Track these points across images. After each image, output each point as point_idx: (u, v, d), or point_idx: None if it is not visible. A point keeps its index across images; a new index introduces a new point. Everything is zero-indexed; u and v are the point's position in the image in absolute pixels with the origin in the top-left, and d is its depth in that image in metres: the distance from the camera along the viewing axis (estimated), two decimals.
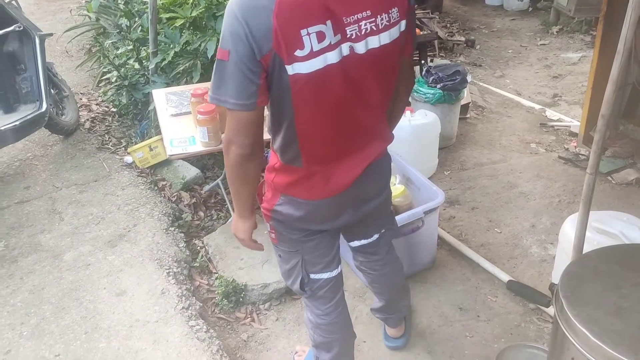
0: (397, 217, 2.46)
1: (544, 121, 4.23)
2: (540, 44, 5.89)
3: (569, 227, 2.35)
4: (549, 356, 1.41)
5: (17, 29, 3.44)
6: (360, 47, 1.40)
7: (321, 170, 1.58)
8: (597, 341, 1.16)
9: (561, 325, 1.25)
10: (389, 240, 2.05)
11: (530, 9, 6.86)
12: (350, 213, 1.72)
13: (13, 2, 3.56)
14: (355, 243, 1.97)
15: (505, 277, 2.66)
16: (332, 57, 1.36)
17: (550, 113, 4.36)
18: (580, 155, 3.62)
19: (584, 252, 1.95)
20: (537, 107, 4.47)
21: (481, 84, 4.92)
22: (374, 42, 1.42)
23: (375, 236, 1.96)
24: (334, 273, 1.85)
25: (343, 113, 1.49)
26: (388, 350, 2.37)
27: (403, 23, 1.48)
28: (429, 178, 3.49)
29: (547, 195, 3.34)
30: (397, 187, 2.72)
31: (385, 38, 1.44)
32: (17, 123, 3.30)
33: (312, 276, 1.81)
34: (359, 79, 1.45)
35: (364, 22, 1.38)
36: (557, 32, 6.09)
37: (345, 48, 1.38)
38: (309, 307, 1.94)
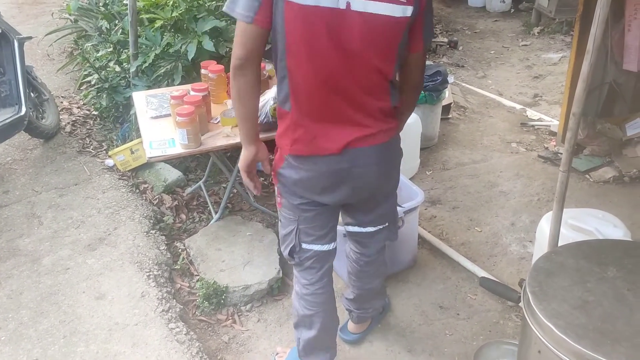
0: None
1: (525, 121, 4.28)
2: (522, 45, 5.95)
3: (545, 225, 2.38)
4: (518, 350, 1.43)
5: None
6: (358, 5, 1.49)
7: (306, 126, 1.67)
8: (561, 335, 1.18)
9: (528, 320, 1.27)
10: (382, 240, 2.09)
11: (512, 10, 6.93)
12: (347, 191, 1.79)
13: None
14: (350, 228, 2.04)
15: (485, 275, 2.69)
16: (325, 1, 1.48)
17: (531, 113, 4.40)
18: (559, 154, 3.66)
19: None
20: (518, 107, 4.52)
21: (463, 84, 4.96)
22: (373, 7, 1.50)
23: (371, 229, 2.01)
24: (325, 247, 1.94)
25: (330, 73, 1.58)
26: (369, 349, 2.38)
27: (409, 9, 1.55)
28: (411, 178, 3.51)
29: (526, 193, 3.37)
30: None
31: (384, 8, 1.51)
32: None
33: (304, 246, 1.91)
34: (348, 42, 1.54)
35: None
36: (538, 33, 6.16)
37: (342, 1, 1.49)
38: (297, 278, 2.02)
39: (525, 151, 3.86)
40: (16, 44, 3.50)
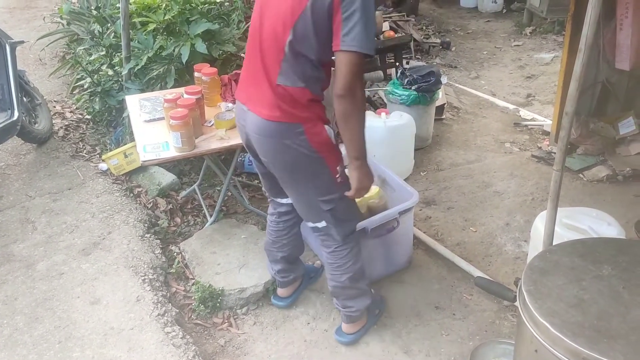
0: (372, 218, 2.49)
1: (518, 121, 4.30)
2: (514, 45, 5.98)
3: (539, 224, 2.39)
4: (515, 349, 1.43)
5: None
6: None
7: (243, 76, 2.06)
8: (557, 333, 1.18)
9: (524, 318, 1.28)
10: (320, 237, 2.25)
11: (504, 10, 6.96)
12: (257, 158, 2.12)
13: None
14: (278, 199, 2.38)
15: (480, 275, 2.69)
16: None
17: (524, 113, 4.42)
18: (552, 154, 3.68)
19: None
20: (511, 107, 4.54)
21: (457, 85, 4.98)
22: None
23: (285, 200, 2.33)
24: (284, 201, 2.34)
25: (254, 39, 1.95)
26: (365, 350, 2.38)
27: (308, 4, 1.74)
28: (405, 179, 3.51)
29: (520, 193, 3.38)
30: (372, 188, 2.72)
31: None
32: None
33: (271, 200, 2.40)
34: (264, 16, 1.89)
35: None
36: (530, 33, 6.19)
37: None
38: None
39: (518, 151, 3.88)
40: (8, 49, 3.48)
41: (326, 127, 1.98)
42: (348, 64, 1.75)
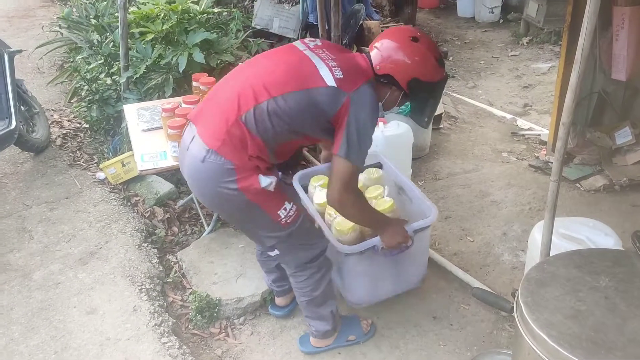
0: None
1: (515, 130, 4.31)
2: (511, 55, 6.01)
3: (537, 234, 2.39)
4: None
5: None
6: None
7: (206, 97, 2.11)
8: (554, 345, 1.18)
9: (521, 330, 1.27)
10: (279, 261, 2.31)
11: (501, 20, 7.00)
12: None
13: None
14: None
15: (478, 284, 2.68)
16: None
17: (521, 122, 4.44)
18: (549, 163, 3.69)
19: None
20: (509, 116, 4.55)
21: (454, 94, 5.00)
22: None
23: None
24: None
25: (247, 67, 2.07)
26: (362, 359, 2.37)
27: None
28: None
29: (518, 203, 3.39)
30: (385, 201, 2.54)
31: None
32: None
33: None
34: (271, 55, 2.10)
35: None
36: (527, 43, 6.22)
37: None
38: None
39: (516, 160, 3.89)
40: (6, 58, 3.49)
41: (262, 177, 1.91)
42: (340, 171, 1.92)
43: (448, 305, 2.64)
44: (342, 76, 1.88)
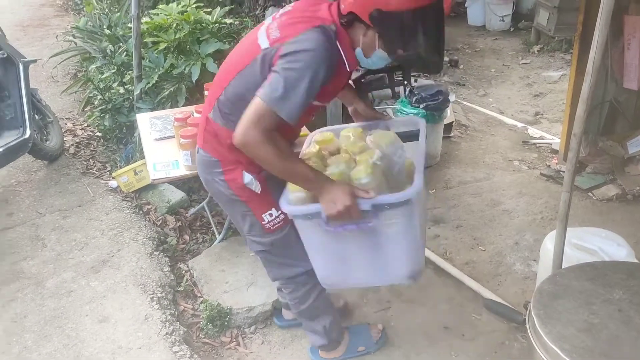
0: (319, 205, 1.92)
1: (526, 139, 4.29)
2: (522, 63, 5.99)
3: (549, 244, 2.37)
4: None
5: (1, 56, 3.45)
6: None
7: None
8: (567, 358, 1.17)
9: (534, 343, 1.27)
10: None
11: (512, 28, 6.99)
12: None
13: None
14: None
15: (489, 296, 2.68)
16: None
17: (533, 131, 4.42)
18: (561, 172, 3.66)
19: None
20: (520, 125, 4.54)
21: (465, 103, 4.99)
22: None
23: None
24: None
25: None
26: None
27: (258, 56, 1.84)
28: None
29: (530, 212, 3.37)
30: (367, 163, 1.89)
31: None
32: (0, 150, 3.29)
33: None
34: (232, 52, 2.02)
35: None
36: (538, 51, 6.20)
37: None
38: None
39: (527, 169, 3.87)
40: (21, 68, 3.54)
41: (246, 174, 1.91)
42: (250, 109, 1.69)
43: (459, 315, 2.62)
44: (278, 34, 1.75)
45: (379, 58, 1.82)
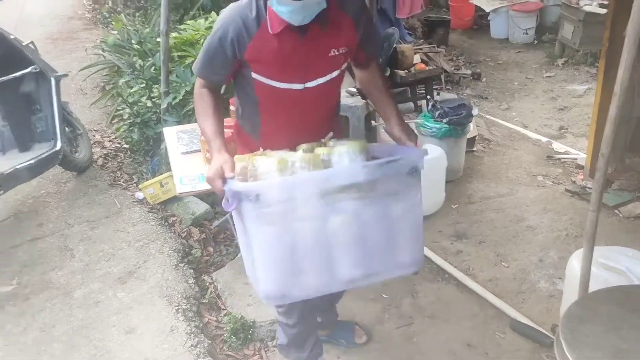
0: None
1: (551, 154, 4.26)
2: (546, 76, 5.95)
3: (575, 263, 2.36)
4: None
5: (34, 70, 3.55)
6: None
7: None
8: None
9: None
10: None
11: (536, 41, 6.95)
12: None
13: (30, 44, 3.69)
14: None
15: (513, 314, 2.66)
16: None
17: (557, 145, 4.38)
18: (587, 189, 3.63)
19: (590, 289, 1.95)
20: (544, 139, 4.50)
21: (487, 116, 4.97)
22: None
23: None
24: None
25: None
26: None
27: None
28: (436, 212, 3.51)
29: (554, 229, 3.34)
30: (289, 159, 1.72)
31: None
32: (32, 161, 3.39)
33: None
34: None
35: None
36: (562, 64, 6.16)
37: None
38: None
39: (552, 185, 3.84)
40: (53, 82, 3.63)
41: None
42: None
43: (483, 332, 2.61)
44: None
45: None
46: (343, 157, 1.69)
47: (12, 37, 3.51)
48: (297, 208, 1.58)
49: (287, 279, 1.65)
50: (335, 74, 1.88)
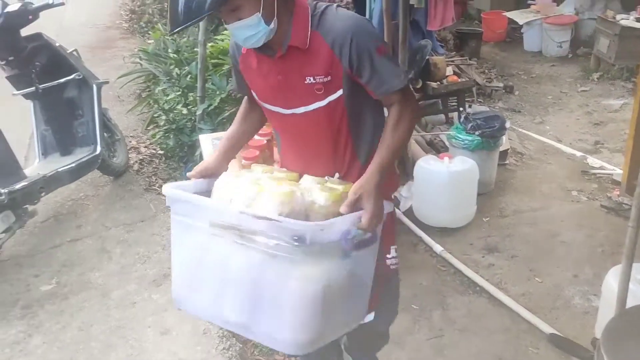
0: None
1: (586, 169, 4.19)
2: (581, 91, 5.87)
3: (612, 280, 2.32)
4: None
5: (77, 77, 3.68)
6: None
7: None
8: None
9: None
10: None
11: (570, 55, 6.87)
12: None
13: (74, 52, 3.83)
14: None
15: (547, 329, 2.62)
16: None
17: (592, 160, 4.31)
18: (623, 205, 3.56)
19: (627, 306, 1.93)
20: (578, 154, 4.44)
21: (520, 130, 4.93)
22: None
23: None
24: None
25: None
26: None
27: None
28: (467, 224, 3.49)
29: (589, 244, 3.29)
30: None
31: None
32: (73, 165, 3.50)
33: None
34: None
35: None
36: (597, 78, 6.07)
37: None
38: None
39: (587, 200, 3.78)
40: (95, 89, 3.76)
41: None
42: None
43: (515, 347, 2.58)
44: None
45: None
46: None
47: (57, 44, 3.65)
48: (197, 228, 1.58)
49: (184, 290, 1.68)
50: (324, 102, 1.66)
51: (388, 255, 1.85)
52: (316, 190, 1.57)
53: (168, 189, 1.63)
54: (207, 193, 1.70)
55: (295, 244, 1.38)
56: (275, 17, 1.56)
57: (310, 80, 1.62)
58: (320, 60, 1.60)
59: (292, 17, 1.60)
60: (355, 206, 1.52)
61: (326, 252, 1.45)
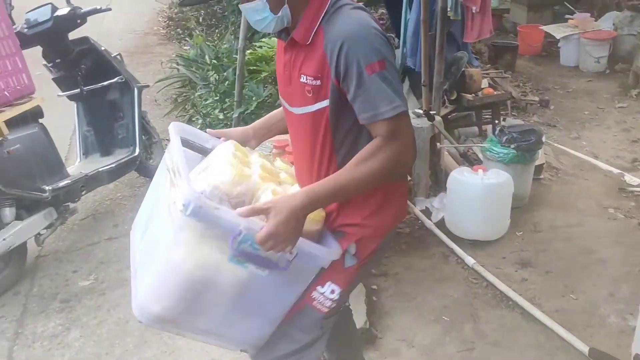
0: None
1: (623, 186, 4.11)
2: (619, 107, 5.77)
3: None
4: None
5: (119, 80, 3.79)
6: None
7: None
8: None
9: None
10: None
11: (607, 71, 6.75)
12: None
13: (118, 56, 3.94)
14: None
15: (581, 346, 2.58)
16: None
17: (630, 178, 4.23)
18: None
19: None
20: (616, 171, 4.36)
21: (555, 144, 4.86)
22: None
23: None
24: None
25: None
26: None
27: None
28: (500, 238, 3.46)
29: (627, 263, 3.22)
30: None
31: None
32: (112, 165, 3.60)
33: None
34: None
35: None
36: (636, 95, 5.95)
37: None
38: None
39: (624, 218, 3.71)
40: (136, 92, 3.86)
41: None
42: None
43: None
44: None
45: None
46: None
47: (102, 48, 3.77)
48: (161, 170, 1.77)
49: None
50: (312, 108, 1.52)
51: (319, 288, 1.57)
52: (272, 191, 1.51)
53: (174, 124, 1.77)
54: (209, 151, 1.79)
55: (180, 209, 1.33)
56: (286, 6, 1.47)
57: (303, 79, 1.51)
58: (315, 60, 1.47)
59: (306, 7, 1.48)
60: (258, 215, 1.39)
61: (212, 238, 1.38)
